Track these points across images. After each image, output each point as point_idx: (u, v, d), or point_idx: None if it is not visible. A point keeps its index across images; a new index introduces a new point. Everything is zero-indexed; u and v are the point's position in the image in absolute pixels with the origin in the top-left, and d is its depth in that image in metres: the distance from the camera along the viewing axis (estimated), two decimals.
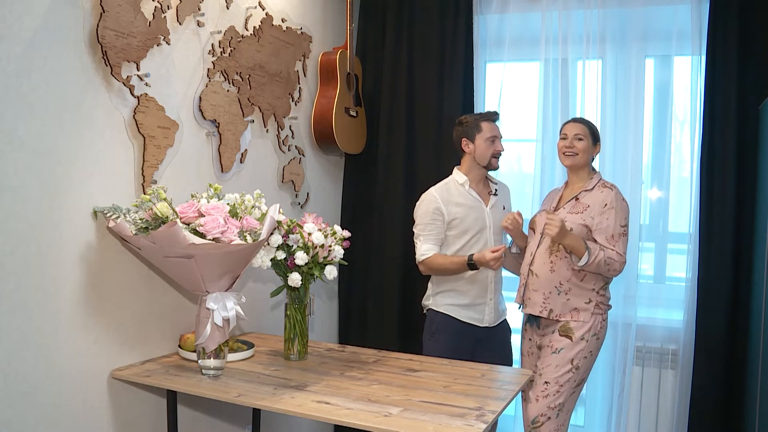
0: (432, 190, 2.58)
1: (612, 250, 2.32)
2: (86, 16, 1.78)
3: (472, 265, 2.42)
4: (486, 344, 2.58)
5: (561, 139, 2.47)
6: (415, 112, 3.16)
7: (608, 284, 2.44)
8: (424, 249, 2.51)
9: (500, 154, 2.57)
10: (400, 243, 3.10)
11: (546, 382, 2.35)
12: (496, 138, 2.55)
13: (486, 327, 2.59)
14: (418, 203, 2.58)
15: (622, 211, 2.37)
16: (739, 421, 2.71)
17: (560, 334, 2.37)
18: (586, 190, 2.43)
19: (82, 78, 1.78)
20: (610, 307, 2.45)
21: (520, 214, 2.50)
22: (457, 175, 2.61)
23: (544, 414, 2.34)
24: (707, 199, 2.72)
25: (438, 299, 2.60)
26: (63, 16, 1.72)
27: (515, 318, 2.73)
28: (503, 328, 2.68)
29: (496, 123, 2.60)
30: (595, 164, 2.95)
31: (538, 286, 2.41)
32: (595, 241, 2.35)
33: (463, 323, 2.56)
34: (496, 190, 2.65)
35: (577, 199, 2.43)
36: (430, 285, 2.67)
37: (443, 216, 2.52)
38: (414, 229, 2.58)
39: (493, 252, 2.36)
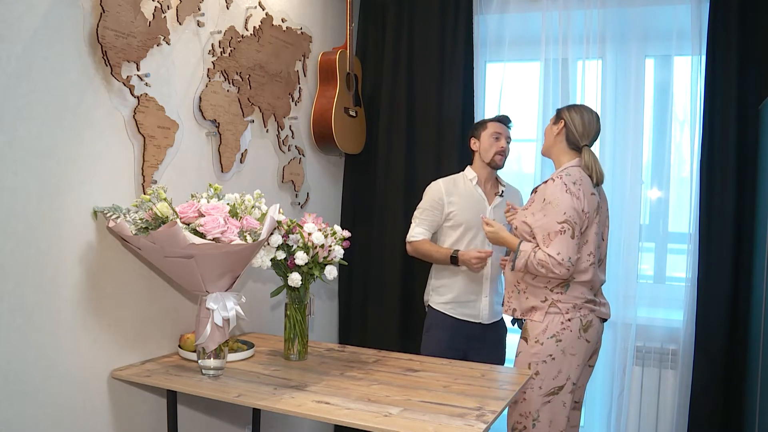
0: (440, 180, 2.70)
1: (544, 251, 2.14)
2: (86, 16, 1.78)
3: (454, 259, 2.52)
4: (480, 341, 2.63)
5: None
6: (415, 112, 3.16)
7: (567, 283, 2.22)
8: (416, 232, 2.65)
9: (504, 153, 2.65)
10: (400, 243, 3.09)
11: None
12: (500, 135, 2.64)
13: (481, 323, 2.63)
14: (427, 188, 2.71)
15: (559, 206, 2.13)
16: (739, 421, 2.71)
17: (521, 337, 2.31)
18: (544, 182, 2.29)
19: (82, 78, 1.78)
20: (578, 306, 2.22)
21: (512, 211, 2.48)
22: (468, 171, 2.72)
23: (520, 422, 2.25)
24: (707, 199, 2.72)
25: (434, 296, 2.69)
26: (63, 16, 1.72)
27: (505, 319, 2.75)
28: (499, 326, 2.71)
29: (507, 126, 2.69)
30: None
31: (505, 286, 2.41)
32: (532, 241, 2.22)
33: (458, 320, 2.62)
34: (503, 191, 2.72)
35: (535, 191, 2.31)
36: (429, 279, 2.76)
37: (443, 207, 2.62)
38: (415, 211, 2.69)
39: (479, 252, 2.46)
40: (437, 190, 2.66)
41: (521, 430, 2.26)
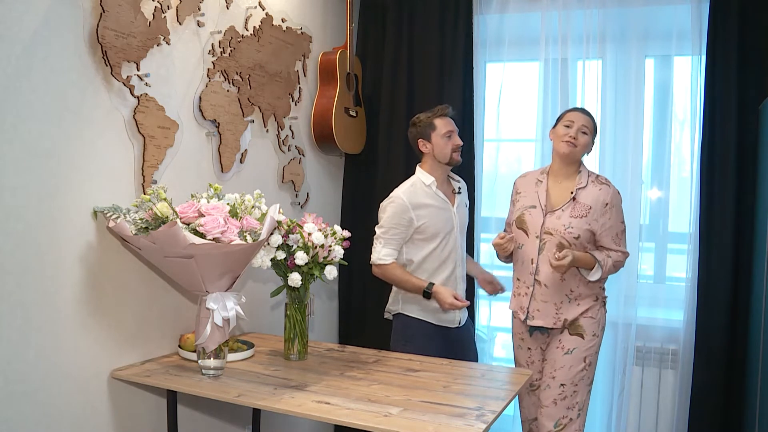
0: (400, 194, 2.47)
1: (617, 251, 2.32)
2: (86, 16, 1.78)
3: (427, 294, 2.38)
4: (458, 344, 2.56)
5: (565, 126, 2.34)
6: (415, 112, 3.12)
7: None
8: (383, 254, 2.45)
9: (460, 148, 2.52)
10: None
11: (562, 385, 2.32)
12: (452, 132, 2.50)
13: (457, 327, 2.57)
14: (384, 204, 2.50)
15: (621, 208, 2.36)
16: (739, 421, 2.71)
17: (571, 334, 2.35)
18: (580, 188, 2.34)
19: (82, 78, 1.78)
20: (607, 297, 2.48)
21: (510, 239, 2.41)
22: (423, 176, 2.53)
23: (566, 416, 2.32)
24: (707, 199, 2.72)
25: (409, 306, 2.55)
26: (63, 16, 1.72)
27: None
28: (468, 324, 2.68)
29: (453, 118, 2.55)
30: (594, 163, 2.96)
31: (548, 297, 2.34)
32: (596, 243, 2.33)
33: (436, 326, 2.53)
34: (459, 188, 2.61)
35: (575, 199, 2.33)
36: (396, 289, 2.60)
37: (411, 223, 2.45)
38: (376, 229, 2.50)
39: (454, 300, 2.32)
40: (402, 205, 2.43)
41: (567, 424, 2.31)
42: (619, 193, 2.38)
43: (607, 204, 2.32)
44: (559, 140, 2.35)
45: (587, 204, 2.32)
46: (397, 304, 2.59)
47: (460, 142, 2.51)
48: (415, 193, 2.48)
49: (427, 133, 2.51)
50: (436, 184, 2.51)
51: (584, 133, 2.33)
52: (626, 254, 2.36)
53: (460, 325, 2.59)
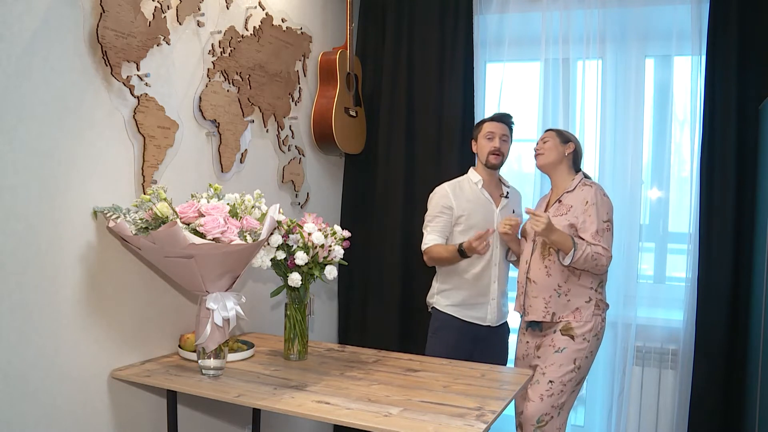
0: (445, 185, 2.64)
1: (598, 245, 2.33)
2: (86, 16, 1.78)
3: (462, 252, 2.44)
4: (486, 343, 2.62)
5: (536, 149, 2.55)
6: (415, 112, 3.16)
7: (604, 282, 2.46)
8: (427, 240, 2.58)
9: (498, 152, 2.58)
10: (399, 243, 3.10)
11: (550, 381, 2.36)
12: (493, 135, 2.59)
13: (488, 326, 2.62)
14: (431, 195, 2.65)
15: (603, 206, 2.39)
16: (739, 421, 2.71)
17: (562, 334, 2.39)
18: (568, 192, 2.46)
19: (82, 78, 1.78)
20: (607, 306, 2.48)
21: (518, 221, 2.54)
22: (472, 174, 2.67)
23: (548, 413, 2.36)
24: (707, 199, 2.72)
25: (440, 299, 2.65)
26: (63, 16, 1.72)
27: (513, 320, 2.75)
28: (504, 328, 2.72)
29: (505, 124, 2.63)
30: (594, 163, 2.95)
31: (537, 293, 2.43)
32: (582, 239, 2.37)
33: (465, 322, 2.60)
34: (507, 192, 2.69)
35: (560, 201, 2.46)
36: (434, 283, 2.71)
37: (452, 211, 2.57)
38: (425, 218, 2.64)
39: (477, 235, 2.35)
40: (444, 195, 2.59)
41: (548, 421, 2.37)
42: (605, 195, 2.41)
43: (587, 202, 2.38)
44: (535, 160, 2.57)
45: (569, 204, 2.42)
46: (432, 297, 2.70)
47: (498, 146, 2.59)
48: (460, 187, 2.63)
49: (476, 133, 2.67)
50: (483, 183, 2.62)
51: (545, 141, 2.50)
52: (607, 251, 2.33)
53: (492, 324, 2.63)
